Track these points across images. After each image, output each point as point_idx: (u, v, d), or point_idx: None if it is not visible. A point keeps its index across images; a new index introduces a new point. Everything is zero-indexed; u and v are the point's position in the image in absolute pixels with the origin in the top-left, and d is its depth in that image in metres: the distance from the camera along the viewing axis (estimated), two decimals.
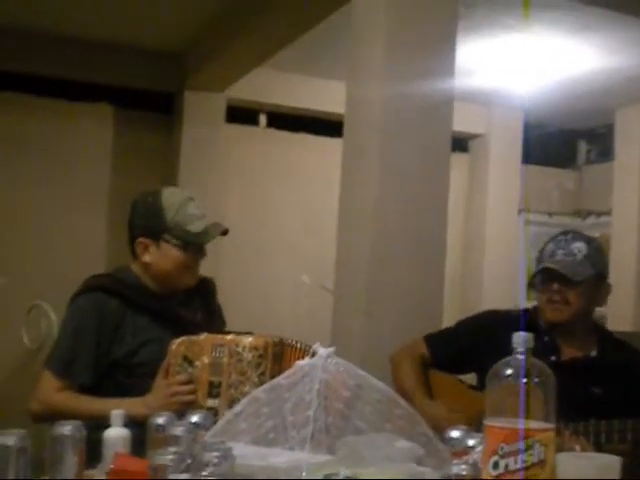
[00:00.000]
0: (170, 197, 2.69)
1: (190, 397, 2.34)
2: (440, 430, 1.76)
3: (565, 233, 2.83)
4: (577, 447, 2.16)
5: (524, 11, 4.85)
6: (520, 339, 1.41)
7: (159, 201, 2.67)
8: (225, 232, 2.76)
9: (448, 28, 3.60)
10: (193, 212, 2.69)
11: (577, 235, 2.81)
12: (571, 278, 2.68)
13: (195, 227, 2.66)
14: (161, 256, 2.67)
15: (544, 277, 2.75)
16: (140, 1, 5.46)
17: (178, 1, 5.48)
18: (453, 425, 1.75)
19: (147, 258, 2.68)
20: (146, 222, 2.69)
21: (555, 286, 2.71)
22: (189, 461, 1.51)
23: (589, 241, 2.78)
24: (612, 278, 2.87)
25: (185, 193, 2.77)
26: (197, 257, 2.74)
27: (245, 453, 1.61)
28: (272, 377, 2.16)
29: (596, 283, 2.75)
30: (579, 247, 2.73)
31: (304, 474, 1.53)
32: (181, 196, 2.72)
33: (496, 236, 7.52)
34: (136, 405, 2.38)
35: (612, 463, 1.37)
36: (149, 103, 6.70)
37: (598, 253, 2.78)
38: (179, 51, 6.45)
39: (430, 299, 3.48)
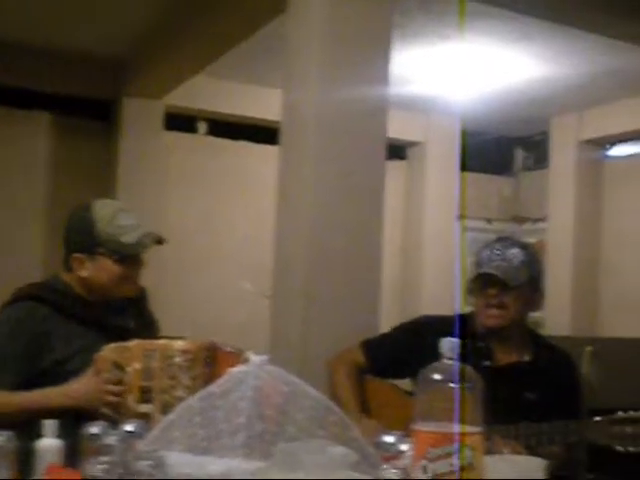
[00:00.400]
0: (101, 209, 2.65)
1: (116, 398, 2.33)
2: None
3: (500, 239, 2.88)
4: (505, 450, 2.19)
5: (460, 20, 4.91)
6: (448, 345, 1.43)
7: (91, 215, 2.63)
8: (160, 241, 2.74)
9: (383, 36, 3.63)
10: (125, 223, 2.65)
11: (513, 241, 2.87)
12: (509, 283, 2.72)
13: (128, 238, 2.62)
14: (97, 270, 2.64)
15: (482, 282, 2.78)
16: (78, 7, 5.41)
17: (117, 8, 5.44)
18: None
19: (84, 273, 2.65)
20: (79, 237, 2.65)
21: (493, 291, 2.75)
22: (121, 470, 1.51)
23: (524, 247, 2.83)
24: (548, 284, 2.93)
25: (117, 204, 2.75)
26: (135, 268, 2.71)
27: (179, 461, 1.61)
28: (205, 381, 2.17)
29: (531, 288, 2.79)
30: (515, 253, 2.76)
31: None
32: (112, 207, 2.69)
33: (434, 242, 7.59)
34: (59, 395, 2.37)
35: (536, 466, 1.39)
36: (87, 111, 6.64)
37: (533, 259, 2.83)
38: (117, 58, 6.40)
39: (367, 305, 3.51)
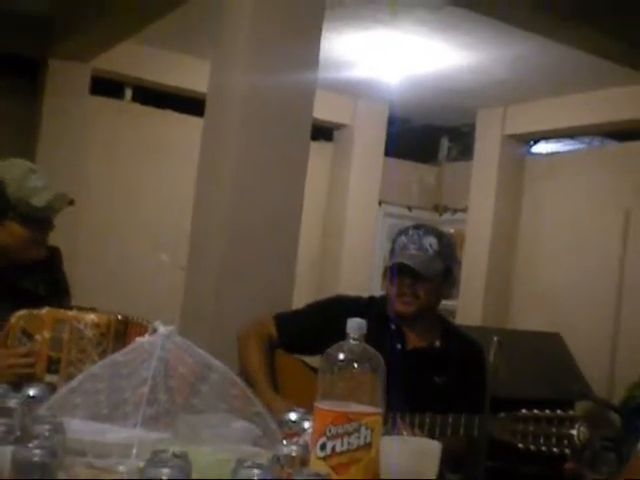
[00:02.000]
0: (10, 171, 2.58)
1: (28, 370, 2.29)
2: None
3: (417, 227, 2.88)
4: (404, 432, 2.22)
5: (391, 7, 4.93)
6: (354, 325, 1.45)
7: None
8: (71, 202, 2.69)
9: (314, 19, 3.63)
10: (35, 184, 2.58)
11: (429, 229, 2.87)
12: (422, 274, 2.74)
13: (38, 200, 2.56)
14: (6, 234, 2.57)
15: (396, 271, 2.81)
16: None
17: None
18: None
19: None
20: None
21: (406, 280, 2.77)
22: (18, 434, 1.49)
23: (440, 236, 2.85)
24: (463, 274, 2.96)
25: (25, 164, 2.65)
26: (44, 231, 2.66)
27: (79, 428, 1.60)
28: None
29: (445, 278, 2.82)
30: (431, 242, 2.78)
31: (135, 450, 1.52)
32: (21, 168, 2.61)
33: (356, 225, 7.63)
34: None
35: (432, 447, 1.42)
36: (12, 68, 6.49)
37: (448, 248, 2.85)
38: (46, 17, 6.25)
39: (281, 282, 3.53)
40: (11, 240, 2.58)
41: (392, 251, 2.86)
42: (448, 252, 2.83)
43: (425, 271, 2.74)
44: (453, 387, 2.74)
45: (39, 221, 2.61)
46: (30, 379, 2.21)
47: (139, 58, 6.57)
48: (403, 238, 2.82)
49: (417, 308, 2.79)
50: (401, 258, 2.78)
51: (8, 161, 2.67)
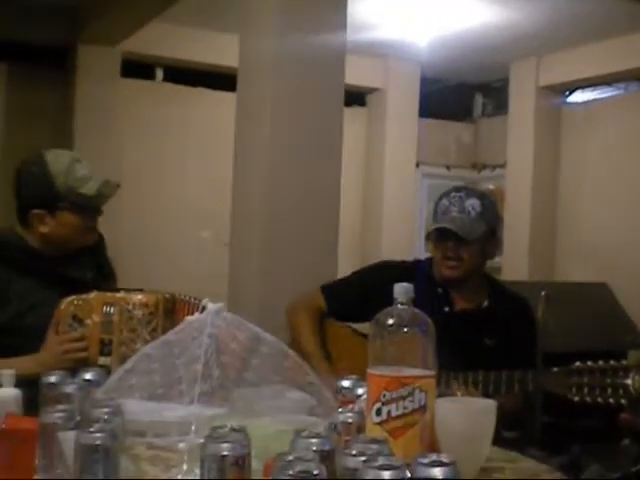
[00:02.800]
0: (56, 162, 2.58)
1: (83, 354, 2.33)
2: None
3: (458, 189, 2.86)
4: (458, 393, 2.23)
5: None
6: (401, 289, 1.45)
7: (45, 168, 2.56)
8: (118, 186, 2.72)
9: None
10: (82, 173, 2.59)
11: (470, 191, 2.85)
12: (465, 237, 2.73)
13: (88, 189, 2.57)
14: (58, 225, 2.59)
15: (439, 234, 2.80)
16: None
17: None
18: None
19: (44, 229, 2.59)
20: (37, 192, 2.58)
21: (450, 244, 2.76)
22: (78, 418, 1.52)
23: (482, 197, 2.82)
24: (506, 230, 2.94)
25: (70, 154, 2.66)
26: (94, 217, 2.69)
27: (136, 409, 1.62)
28: (164, 333, 2.17)
29: (488, 238, 2.80)
30: (473, 204, 2.76)
31: (193, 427, 1.55)
32: (68, 158, 2.61)
33: (394, 189, 7.61)
34: (27, 362, 2.35)
35: (487, 407, 1.42)
36: (43, 58, 6.53)
37: (490, 209, 2.83)
38: (73, 4, 6.28)
39: (325, 252, 3.53)
40: (64, 230, 2.60)
41: (435, 214, 2.85)
42: (490, 213, 2.81)
43: (467, 234, 2.72)
44: (503, 347, 2.72)
45: (89, 209, 2.64)
46: (84, 363, 2.24)
47: (168, 38, 6.58)
48: (445, 201, 2.80)
49: (463, 271, 2.77)
50: (443, 222, 2.76)
51: (51, 152, 2.66)
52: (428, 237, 2.87)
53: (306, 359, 2.60)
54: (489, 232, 2.79)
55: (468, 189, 2.89)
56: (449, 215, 2.76)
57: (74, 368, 2.08)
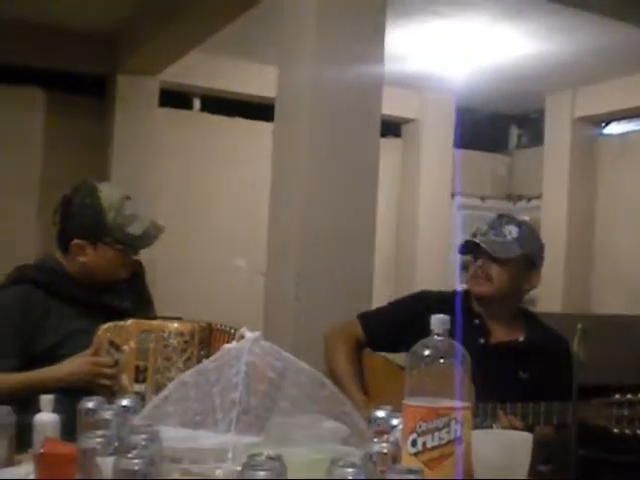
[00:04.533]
0: (109, 197, 2.61)
1: (109, 382, 2.35)
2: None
3: (500, 217, 2.87)
4: (498, 425, 2.22)
5: None
6: (437, 321, 1.46)
7: (98, 201, 2.59)
8: (162, 229, 2.73)
9: (378, 14, 3.62)
10: (131, 212, 2.63)
11: (511, 219, 2.85)
12: (492, 254, 2.73)
13: (135, 229, 2.61)
14: (98, 257, 2.61)
15: (471, 253, 2.81)
16: None
17: None
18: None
19: (83, 259, 2.61)
20: (84, 223, 2.61)
21: (479, 261, 2.77)
22: (116, 444, 1.53)
23: (521, 225, 2.82)
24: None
25: (121, 191, 2.69)
26: (132, 254, 2.71)
27: (173, 436, 1.63)
28: (199, 362, 2.18)
29: (524, 266, 2.79)
30: (510, 229, 2.77)
31: (230, 455, 1.55)
32: (119, 195, 2.64)
33: (429, 219, 7.61)
34: (54, 378, 2.39)
35: (523, 440, 1.42)
36: (81, 86, 6.63)
37: (529, 237, 2.82)
38: (112, 34, 6.38)
39: (360, 282, 3.53)
40: (101, 262, 2.62)
41: (471, 235, 2.86)
42: (528, 241, 2.80)
43: (495, 251, 2.73)
44: (538, 381, 2.70)
45: (132, 247, 2.65)
46: (112, 390, 2.27)
47: (205, 68, 6.65)
48: (485, 226, 2.82)
49: (490, 290, 2.76)
50: (472, 237, 2.78)
51: (105, 185, 2.70)
52: (463, 260, 2.87)
53: (340, 387, 2.62)
54: (524, 258, 2.77)
55: (510, 217, 2.88)
56: (486, 237, 2.77)
57: (111, 394, 2.11)
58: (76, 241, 2.61)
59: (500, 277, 2.76)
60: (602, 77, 6.95)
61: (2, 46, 6.05)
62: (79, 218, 2.62)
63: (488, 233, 2.78)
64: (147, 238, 2.66)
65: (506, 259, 2.74)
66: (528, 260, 2.80)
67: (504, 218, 2.84)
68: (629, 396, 2.22)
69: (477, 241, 2.76)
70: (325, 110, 3.50)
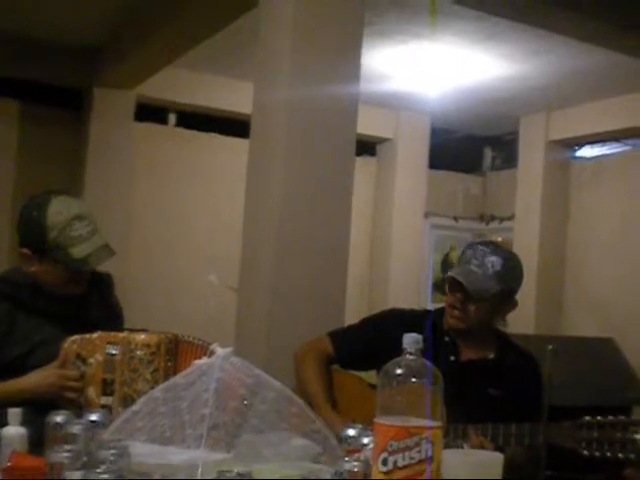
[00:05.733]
0: (55, 215, 2.53)
1: (75, 394, 2.33)
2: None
3: (487, 244, 2.84)
4: (467, 445, 2.22)
5: (431, 20, 4.95)
6: (410, 340, 1.46)
7: (43, 217, 2.53)
8: (112, 254, 2.67)
9: (354, 34, 3.65)
10: (78, 233, 2.54)
11: (497, 249, 2.80)
12: (472, 295, 2.70)
13: (78, 252, 2.52)
14: (43, 270, 2.56)
15: (452, 283, 2.80)
16: None
17: None
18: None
19: (30, 268, 2.58)
20: (28, 236, 2.58)
21: (458, 295, 2.75)
22: (85, 459, 1.52)
23: (507, 257, 2.77)
24: None
25: (75, 209, 2.58)
26: (82, 273, 2.63)
27: (142, 451, 1.62)
28: (166, 374, 2.18)
29: (502, 299, 2.77)
30: (494, 261, 2.72)
31: (200, 471, 1.55)
32: (68, 214, 2.55)
33: (402, 239, 7.63)
34: (19, 390, 2.37)
35: (494, 460, 1.42)
36: (57, 99, 6.61)
37: (511, 270, 2.77)
38: (89, 47, 6.37)
39: (333, 301, 3.53)
40: (47, 276, 2.59)
41: (458, 261, 2.84)
42: (509, 274, 2.75)
43: (475, 290, 2.70)
44: (507, 399, 2.71)
45: (75, 269, 2.60)
46: (78, 404, 2.25)
47: (182, 83, 6.66)
48: (470, 251, 2.77)
49: (466, 324, 2.75)
50: (458, 272, 2.74)
51: (59, 201, 2.59)
52: (440, 284, 2.87)
53: (311, 404, 2.61)
54: (503, 293, 2.74)
55: (497, 246, 2.83)
56: (467, 266, 2.74)
57: (79, 409, 2.09)
58: (23, 250, 2.58)
59: (478, 313, 2.74)
60: (576, 100, 7.02)
61: None
62: (24, 229, 2.60)
63: (471, 262, 2.74)
64: (89, 263, 2.57)
65: (485, 296, 2.71)
66: (506, 293, 2.77)
67: (489, 247, 2.79)
68: (599, 418, 2.23)
69: (459, 279, 2.71)
70: (300, 128, 3.51)
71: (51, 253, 2.54)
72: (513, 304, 2.85)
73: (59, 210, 2.56)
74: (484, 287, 2.70)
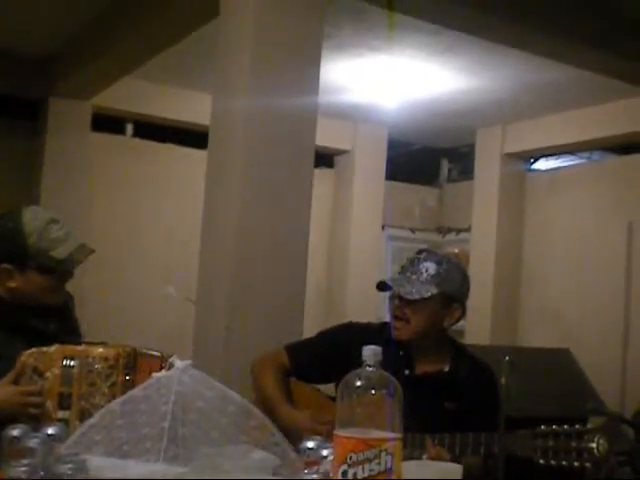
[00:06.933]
0: (31, 221, 2.56)
1: (38, 410, 2.30)
2: (301, 438, 1.79)
3: (421, 252, 2.86)
4: (425, 455, 2.23)
5: (389, 33, 4.98)
6: (369, 352, 1.46)
7: (19, 226, 2.54)
8: (92, 251, 2.70)
9: (313, 46, 3.68)
10: (56, 235, 2.58)
11: (431, 255, 2.83)
12: (403, 296, 2.73)
13: (59, 252, 2.55)
14: (26, 282, 2.57)
15: (391, 294, 2.82)
16: (8, 4, 5.33)
17: (48, 7, 5.38)
18: (315, 434, 1.78)
19: (12, 284, 2.57)
20: (7, 248, 2.56)
21: (396, 302, 2.77)
22: (42, 473, 1.51)
23: (440, 262, 2.79)
24: (470, 293, 2.89)
25: (47, 214, 2.63)
26: (63, 279, 2.67)
27: (100, 465, 1.61)
28: (124, 387, 2.16)
29: (442, 303, 2.77)
30: (428, 267, 2.75)
31: None
32: (43, 218, 2.59)
33: (360, 250, 7.65)
34: None
35: (453, 471, 1.43)
36: (14, 109, 6.54)
37: (447, 274, 2.78)
38: (46, 57, 6.32)
39: (291, 312, 3.54)
40: (30, 287, 2.58)
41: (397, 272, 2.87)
42: (447, 278, 2.76)
43: (406, 292, 2.72)
44: (463, 411, 2.71)
45: (58, 271, 2.62)
46: (38, 418, 2.22)
47: (139, 94, 6.62)
48: (407, 262, 2.82)
49: (409, 333, 2.76)
50: (389, 278, 2.79)
51: (29, 210, 2.64)
52: (378, 289, 2.87)
53: (271, 409, 2.61)
54: (440, 297, 2.74)
55: (430, 253, 2.86)
56: (402, 274, 2.77)
57: (35, 422, 2.06)
58: (3, 266, 2.57)
59: (415, 317, 2.75)
60: (532, 113, 7.09)
61: None
62: (2, 243, 2.59)
63: (406, 272, 2.77)
64: (72, 262, 2.62)
65: (419, 299, 2.72)
66: (445, 297, 2.77)
67: (423, 254, 2.82)
68: (554, 427, 2.25)
69: (388, 282, 2.76)
70: (259, 139, 3.52)
71: (33, 260, 2.54)
72: (457, 311, 2.82)
73: (34, 216, 2.59)
74: (417, 290, 2.72)
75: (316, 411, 2.74)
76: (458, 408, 2.73)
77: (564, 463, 2.19)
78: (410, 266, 2.77)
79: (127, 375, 2.25)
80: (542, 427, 2.27)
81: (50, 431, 1.79)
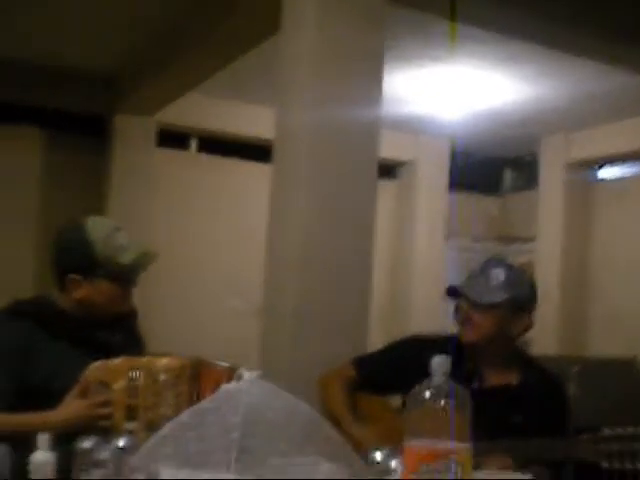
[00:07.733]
0: (96, 229, 2.60)
1: (107, 422, 2.33)
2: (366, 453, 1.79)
3: (489, 260, 2.85)
4: (495, 465, 2.21)
5: (450, 43, 4.96)
6: (438, 363, 1.46)
7: (85, 235, 2.58)
8: (156, 257, 2.74)
9: (375, 57, 3.68)
10: (121, 242, 2.61)
11: (500, 262, 2.83)
12: (473, 300, 2.72)
13: (126, 258, 2.59)
14: (94, 291, 2.60)
15: (454, 297, 2.81)
16: (73, 23, 5.44)
17: (111, 25, 5.48)
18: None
19: (80, 294, 2.61)
20: (75, 259, 2.60)
21: (464, 307, 2.76)
22: None
23: (510, 269, 2.79)
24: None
25: (110, 222, 2.69)
26: (130, 286, 2.70)
27: (172, 476, 1.63)
28: (189, 398, 2.18)
29: (511, 310, 2.75)
30: (497, 273, 2.74)
31: None
32: (107, 227, 2.64)
33: (423, 262, 7.62)
34: (51, 421, 2.37)
35: None
36: (80, 126, 6.66)
37: (517, 280, 2.78)
38: (111, 74, 6.43)
39: (356, 326, 3.53)
40: (99, 297, 2.62)
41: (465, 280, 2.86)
42: (515, 285, 2.75)
43: (476, 297, 2.72)
44: (531, 425, 2.67)
45: (126, 278, 2.65)
46: (108, 429, 2.25)
47: (203, 109, 6.70)
48: (476, 269, 2.81)
49: (475, 337, 2.75)
50: (459, 284, 2.78)
51: (91, 219, 2.68)
52: (448, 294, 2.86)
53: (338, 424, 2.61)
54: (510, 302, 2.73)
55: (499, 260, 2.87)
56: (472, 280, 2.77)
57: (105, 434, 2.10)
58: (71, 276, 2.60)
59: (484, 323, 2.74)
60: (596, 121, 7.01)
61: (1, 85, 6.08)
62: (69, 253, 2.62)
63: (476, 277, 2.77)
64: (139, 266, 2.65)
65: (489, 305, 2.72)
66: (515, 304, 2.75)
67: (492, 261, 2.82)
68: (618, 430, 2.21)
69: (458, 287, 2.75)
70: (323, 152, 3.53)
71: (102, 268, 2.58)
72: (525, 320, 2.81)
73: (97, 225, 2.63)
74: (487, 295, 2.71)
75: (383, 423, 2.74)
76: (525, 422, 2.70)
77: (629, 466, 2.16)
78: (480, 272, 2.76)
79: (192, 385, 2.27)
80: (606, 430, 2.24)
81: (120, 443, 1.81)
